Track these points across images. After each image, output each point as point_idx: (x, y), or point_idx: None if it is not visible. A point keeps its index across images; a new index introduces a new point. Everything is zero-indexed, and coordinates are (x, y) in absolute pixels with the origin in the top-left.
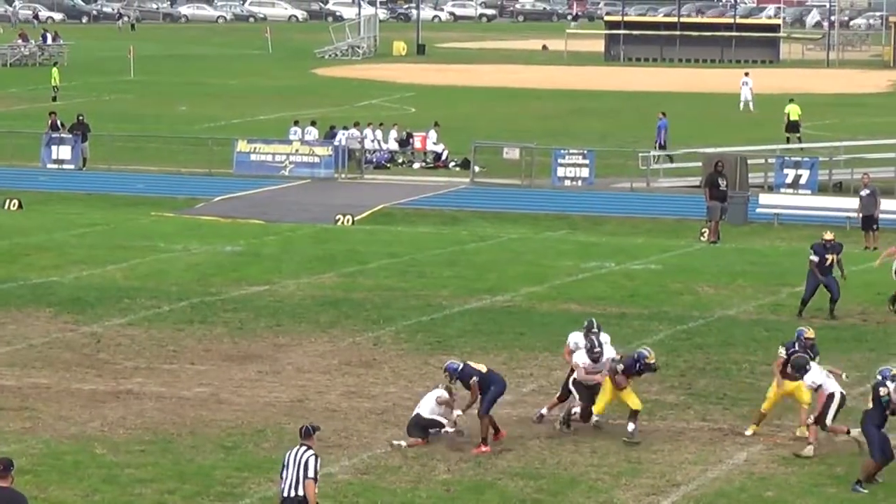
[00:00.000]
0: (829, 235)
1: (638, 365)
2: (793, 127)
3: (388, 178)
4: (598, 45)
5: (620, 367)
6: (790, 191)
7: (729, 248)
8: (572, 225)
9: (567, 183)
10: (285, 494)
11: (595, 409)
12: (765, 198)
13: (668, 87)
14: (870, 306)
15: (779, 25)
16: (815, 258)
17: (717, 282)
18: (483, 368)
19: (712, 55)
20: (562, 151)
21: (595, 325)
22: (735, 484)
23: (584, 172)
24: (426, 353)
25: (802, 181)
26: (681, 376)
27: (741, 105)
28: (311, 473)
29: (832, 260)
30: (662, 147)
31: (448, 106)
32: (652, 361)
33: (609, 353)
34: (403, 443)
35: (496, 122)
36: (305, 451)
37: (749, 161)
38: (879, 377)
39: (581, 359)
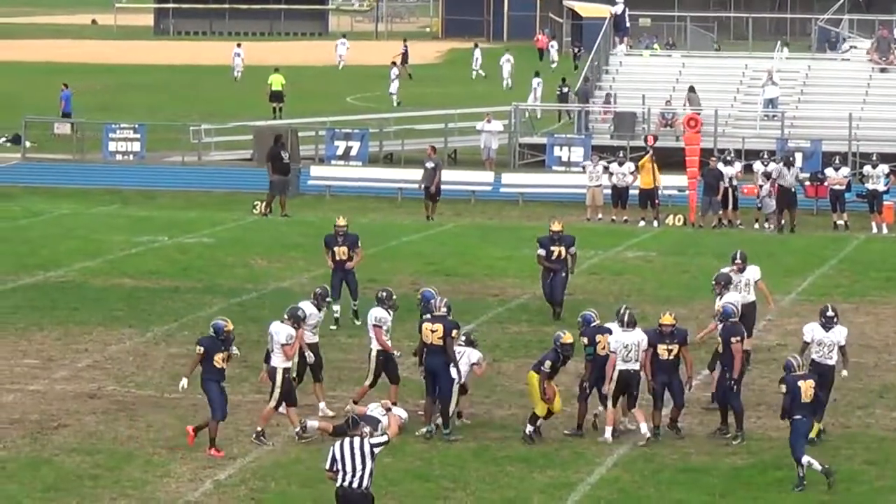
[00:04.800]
0: (556, 227)
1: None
2: (276, 97)
3: None
4: (149, 20)
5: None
6: (341, 163)
7: (281, 220)
8: (125, 199)
9: (119, 157)
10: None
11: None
12: (316, 170)
13: (216, 60)
14: (421, 276)
15: None
16: (541, 252)
17: (269, 254)
18: None
19: (262, 28)
20: (113, 126)
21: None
22: (291, 455)
23: (136, 147)
24: None
25: (353, 153)
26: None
27: (235, 76)
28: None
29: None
30: (67, 115)
31: None
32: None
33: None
34: None
35: (46, 99)
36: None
37: (300, 133)
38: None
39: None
